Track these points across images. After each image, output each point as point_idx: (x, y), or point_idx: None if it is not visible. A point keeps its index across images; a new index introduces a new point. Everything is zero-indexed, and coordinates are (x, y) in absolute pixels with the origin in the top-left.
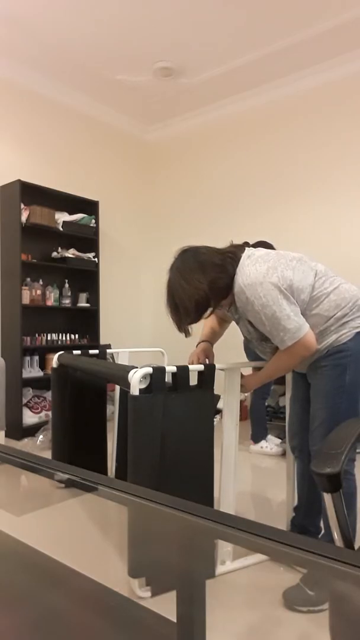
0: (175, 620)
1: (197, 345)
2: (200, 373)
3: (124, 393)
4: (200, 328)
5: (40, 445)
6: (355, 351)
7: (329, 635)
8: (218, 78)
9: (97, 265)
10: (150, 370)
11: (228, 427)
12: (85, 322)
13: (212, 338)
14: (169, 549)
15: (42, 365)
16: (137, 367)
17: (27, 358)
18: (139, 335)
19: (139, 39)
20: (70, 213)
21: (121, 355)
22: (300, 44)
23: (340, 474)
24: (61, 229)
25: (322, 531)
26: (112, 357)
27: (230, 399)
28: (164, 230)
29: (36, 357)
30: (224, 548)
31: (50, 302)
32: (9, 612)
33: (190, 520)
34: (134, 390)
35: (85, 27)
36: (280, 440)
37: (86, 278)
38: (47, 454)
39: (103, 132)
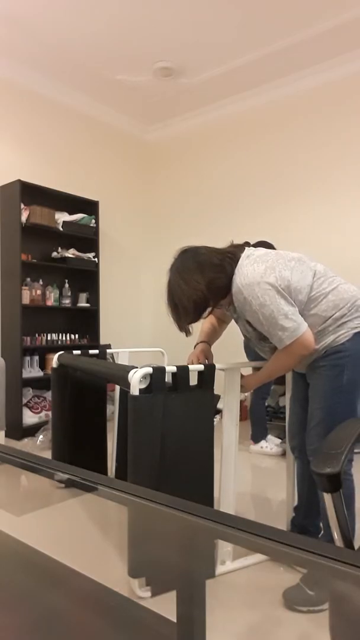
0: (175, 620)
1: (195, 346)
2: (200, 373)
3: (124, 393)
4: (199, 323)
5: (40, 445)
6: (353, 351)
7: (329, 635)
8: (218, 78)
9: (97, 265)
10: (150, 370)
11: (228, 427)
12: (85, 322)
13: (210, 338)
14: (169, 549)
15: (42, 365)
16: (137, 367)
17: (27, 358)
18: (139, 335)
19: (139, 39)
20: (70, 213)
21: (121, 355)
22: (300, 44)
23: (340, 474)
24: (61, 229)
25: (322, 531)
26: (112, 357)
27: (230, 399)
28: (164, 230)
29: (36, 357)
30: (224, 548)
31: (50, 302)
32: (9, 612)
33: (190, 520)
34: (134, 390)
35: (85, 27)
36: (280, 440)
37: (86, 278)
38: (47, 454)
39: (103, 132)
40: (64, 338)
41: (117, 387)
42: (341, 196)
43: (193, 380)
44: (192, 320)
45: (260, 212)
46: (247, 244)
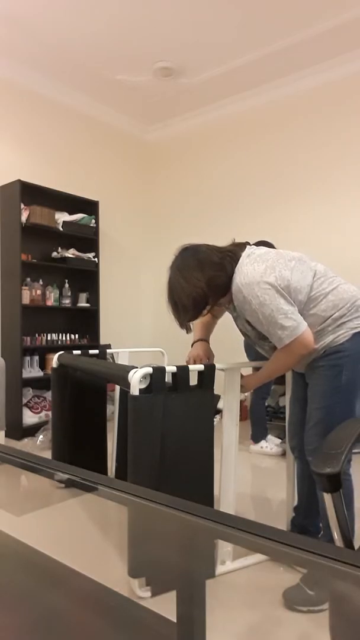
0: (175, 620)
1: (192, 345)
2: (200, 373)
3: (124, 393)
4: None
5: (40, 445)
6: (353, 352)
7: (329, 635)
8: (218, 78)
9: (97, 265)
10: (150, 370)
11: (228, 427)
12: (85, 322)
13: (207, 335)
14: (169, 549)
15: (42, 365)
16: (137, 367)
17: (27, 358)
18: (139, 335)
19: (139, 39)
20: (70, 213)
21: (121, 355)
22: (300, 44)
23: (340, 474)
24: (61, 229)
25: (322, 531)
26: (112, 357)
27: (230, 399)
28: (164, 230)
29: (36, 357)
30: (224, 548)
31: (50, 302)
32: (9, 612)
33: (190, 520)
34: (134, 390)
35: (85, 27)
36: (280, 440)
37: (86, 278)
38: (47, 454)
39: (103, 132)
40: (64, 338)
41: (117, 387)
42: (341, 196)
43: (193, 380)
44: (192, 318)
45: (260, 212)
46: (247, 244)
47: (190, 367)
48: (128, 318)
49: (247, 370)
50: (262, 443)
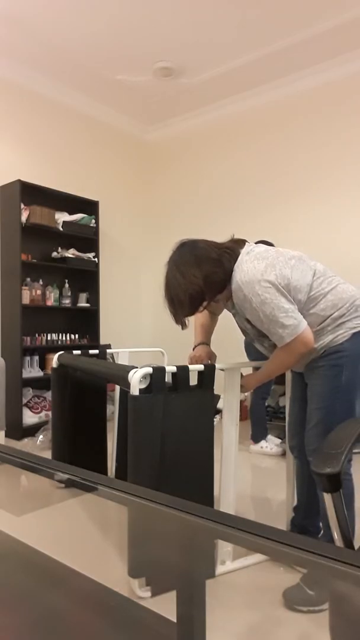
0: (175, 620)
1: (194, 348)
2: (200, 373)
3: (124, 393)
4: (194, 324)
5: (40, 445)
6: (352, 352)
7: (329, 635)
8: (218, 78)
9: (97, 265)
10: (150, 370)
11: (228, 427)
12: (85, 322)
13: (207, 338)
14: (169, 549)
15: (42, 365)
16: (137, 367)
17: (27, 358)
18: (139, 335)
19: (139, 39)
20: (70, 213)
21: (121, 355)
22: (300, 44)
23: (340, 474)
24: (61, 229)
25: (322, 531)
26: (112, 357)
27: (230, 399)
28: (164, 230)
29: (36, 357)
30: (224, 548)
31: (50, 302)
32: (9, 612)
33: (190, 520)
34: (134, 390)
35: (85, 27)
36: (280, 440)
37: (86, 278)
38: (47, 454)
39: (103, 132)
40: (64, 338)
41: (117, 387)
42: (341, 196)
43: (193, 380)
44: (188, 314)
45: (260, 212)
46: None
47: (190, 367)
48: (128, 318)
49: (247, 370)
50: (262, 443)
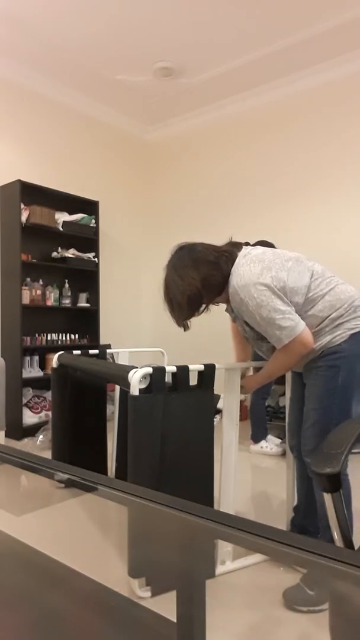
0: (175, 620)
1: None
2: (200, 373)
3: (124, 393)
4: (200, 323)
5: (40, 445)
6: (350, 353)
7: (329, 635)
8: (218, 78)
9: (97, 265)
10: (150, 370)
11: (228, 427)
12: (85, 322)
13: (245, 357)
14: (169, 549)
15: (42, 365)
16: (137, 367)
17: (27, 358)
18: (139, 335)
19: (139, 39)
20: (70, 213)
21: (121, 355)
22: (300, 44)
23: (340, 474)
24: (61, 229)
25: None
26: (112, 357)
27: (230, 399)
28: (164, 230)
29: (36, 357)
30: (224, 548)
31: (50, 302)
32: (9, 612)
33: (190, 520)
34: (134, 390)
35: (85, 27)
36: (280, 440)
37: (86, 278)
38: (47, 454)
39: (103, 132)
40: (64, 338)
41: (117, 387)
42: (341, 196)
43: (193, 380)
44: (187, 316)
45: (260, 212)
46: (246, 244)
47: (190, 367)
48: (128, 318)
49: (247, 371)
50: (262, 443)
